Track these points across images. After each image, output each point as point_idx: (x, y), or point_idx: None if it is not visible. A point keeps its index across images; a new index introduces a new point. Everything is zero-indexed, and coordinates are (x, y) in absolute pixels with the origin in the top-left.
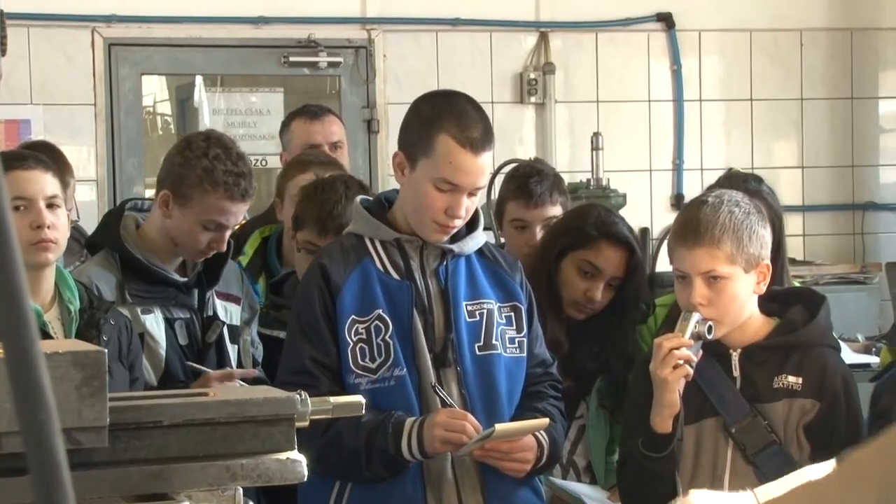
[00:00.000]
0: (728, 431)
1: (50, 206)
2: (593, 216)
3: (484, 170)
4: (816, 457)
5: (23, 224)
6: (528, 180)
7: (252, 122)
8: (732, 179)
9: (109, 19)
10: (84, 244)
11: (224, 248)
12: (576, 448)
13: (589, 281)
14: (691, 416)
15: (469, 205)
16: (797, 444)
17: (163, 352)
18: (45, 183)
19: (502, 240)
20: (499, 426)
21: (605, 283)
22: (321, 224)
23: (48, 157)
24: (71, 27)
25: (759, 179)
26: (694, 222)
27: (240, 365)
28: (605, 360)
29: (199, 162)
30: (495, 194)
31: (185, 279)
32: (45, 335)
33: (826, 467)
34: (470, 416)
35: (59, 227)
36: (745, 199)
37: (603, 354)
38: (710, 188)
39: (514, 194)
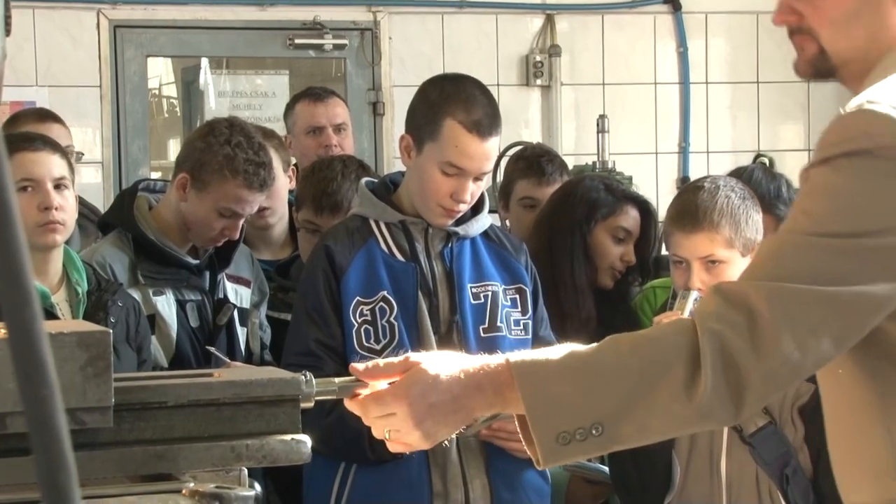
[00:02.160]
0: None
1: (58, 187)
2: (603, 185)
3: (490, 155)
4: (810, 437)
5: (30, 205)
6: (539, 159)
7: (257, 104)
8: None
9: (115, 1)
10: (97, 224)
11: (237, 235)
12: None
13: (623, 245)
14: None
15: (475, 189)
16: (792, 424)
17: (174, 334)
18: (53, 164)
19: (507, 223)
20: None
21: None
22: (317, 202)
23: (49, 121)
24: (76, 9)
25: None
26: (692, 207)
27: (248, 347)
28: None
29: (222, 148)
30: (500, 177)
31: (197, 262)
32: (53, 316)
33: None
34: None
35: (66, 209)
36: (739, 185)
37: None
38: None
39: (524, 173)
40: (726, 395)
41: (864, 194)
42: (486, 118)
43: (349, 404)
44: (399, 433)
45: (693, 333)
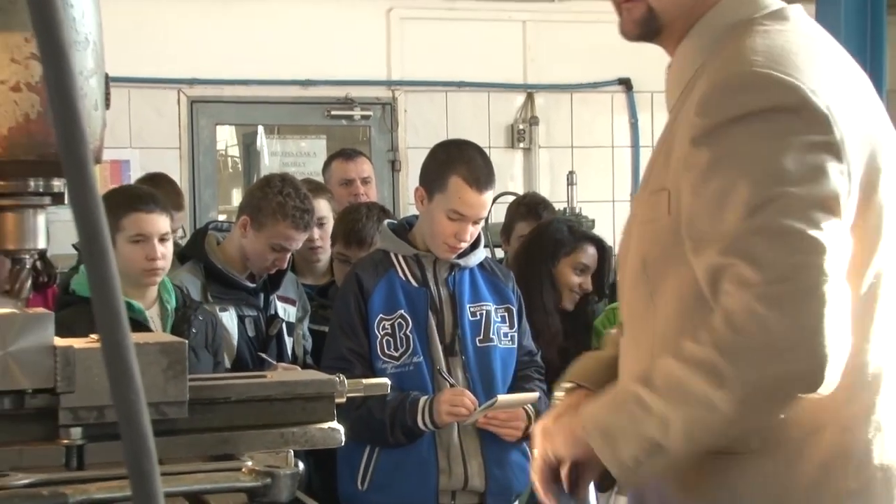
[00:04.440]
0: None
1: (161, 240)
2: (567, 227)
3: (486, 204)
4: None
5: (139, 255)
6: (536, 206)
7: (301, 162)
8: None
9: (192, 82)
10: (177, 255)
11: (285, 265)
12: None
13: (582, 276)
14: None
15: (473, 230)
16: None
17: (235, 342)
18: (161, 223)
19: (500, 254)
20: (500, 397)
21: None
22: (347, 239)
23: (167, 189)
24: (162, 88)
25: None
26: None
27: (294, 354)
28: (565, 345)
29: (275, 197)
30: (492, 219)
31: (254, 285)
32: (147, 328)
33: None
34: (468, 392)
35: (166, 257)
36: None
37: (563, 338)
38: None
39: (524, 216)
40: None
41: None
42: (483, 175)
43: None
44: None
45: None
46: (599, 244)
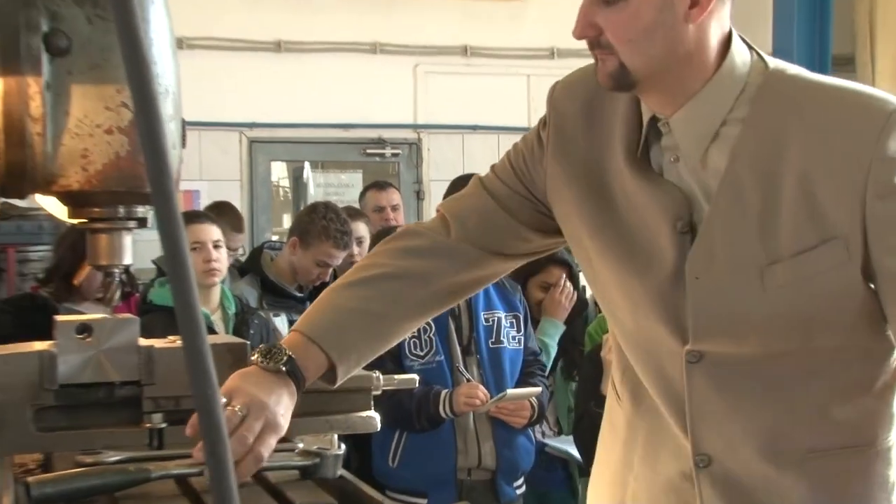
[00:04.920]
0: None
1: (215, 246)
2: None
3: None
4: None
5: (198, 259)
6: None
7: (341, 192)
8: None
9: (251, 126)
10: (238, 270)
11: (327, 278)
12: (547, 406)
13: (545, 293)
14: None
15: None
16: None
17: None
18: (212, 232)
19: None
20: (509, 391)
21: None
22: None
23: (229, 214)
24: (226, 131)
25: None
26: None
27: None
28: (564, 347)
29: (320, 221)
30: None
31: (302, 295)
32: (212, 330)
33: None
34: (481, 387)
35: (221, 261)
36: None
37: (562, 342)
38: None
39: None
40: None
41: None
42: None
43: None
44: None
45: None
46: (566, 264)
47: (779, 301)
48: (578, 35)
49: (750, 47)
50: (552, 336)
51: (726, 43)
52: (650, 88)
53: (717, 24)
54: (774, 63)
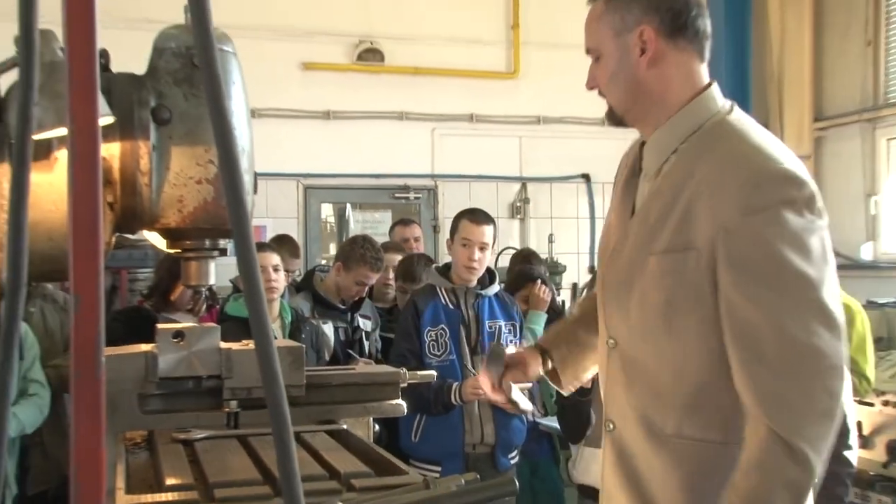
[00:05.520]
0: None
1: (274, 269)
2: (517, 269)
3: (485, 234)
4: None
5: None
6: (529, 257)
7: (375, 227)
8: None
9: (305, 176)
10: (295, 288)
11: (364, 294)
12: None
13: (526, 304)
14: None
15: (481, 256)
16: None
17: (332, 344)
18: (272, 258)
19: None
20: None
21: None
22: (405, 277)
23: (289, 244)
24: (287, 180)
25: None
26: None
27: (369, 352)
28: None
29: (358, 250)
30: (500, 264)
31: (344, 307)
32: (273, 336)
33: None
34: (486, 381)
35: (279, 281)
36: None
37: None
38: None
39: (520, 263)
40: None
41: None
42: (480, 215)
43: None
44: None
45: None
46: (542, 278)
47: (648, 284)
48: (587, 87)
49: (733, 102)
50: (537, 323)
51: (699, 92)
52: (633, 121)
53: (680, 75)
54: (736, 115)
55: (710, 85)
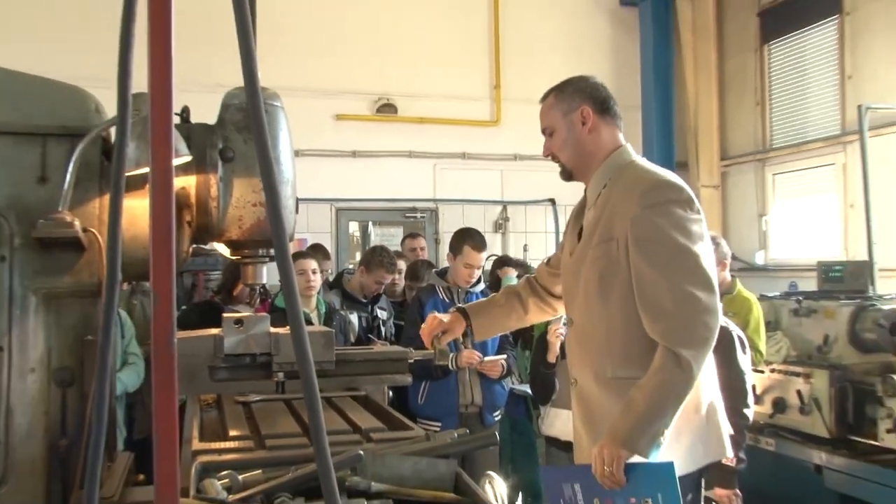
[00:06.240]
0: None
1: (313, 272)
2: (497, 271)
3: (483, 259)
4: None
5: (301, 280)
6: (508, 261)
7: (390, 239)
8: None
9: (336, 200)
10: (328, 286)
11: (381, 290)
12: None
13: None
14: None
15: (477, 273)
16: None
17: (356, 330)
18: (311, 263)
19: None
20: (488, 357)
21: None
22: (412, 277)
23: (321, 251)
24: (319, 203)
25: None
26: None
27: (386, 336)
28: (520, 332)
29: (377, 257)
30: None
31: (366, 301)
32: (309, 323)
33: None
34: (476, 352)
35: (316, 281)
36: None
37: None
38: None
39: (500, 267)
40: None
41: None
42: (481, 243)
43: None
44: None
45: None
46: (510, 265)
47: (587, 269)
48: (544, 154)
49: (639, 154)
50: (511, 281)
51: (617, 148)
52: (579, 175)
53: (608, 138)
54: (640, 160)
55: (623, 144)
